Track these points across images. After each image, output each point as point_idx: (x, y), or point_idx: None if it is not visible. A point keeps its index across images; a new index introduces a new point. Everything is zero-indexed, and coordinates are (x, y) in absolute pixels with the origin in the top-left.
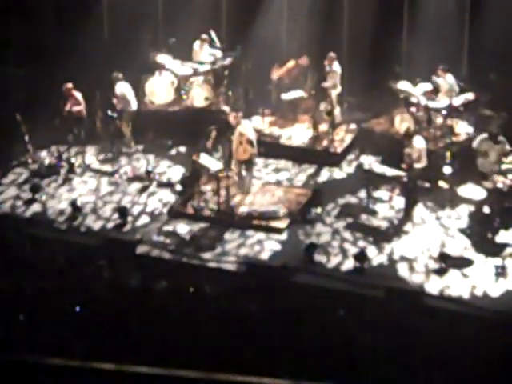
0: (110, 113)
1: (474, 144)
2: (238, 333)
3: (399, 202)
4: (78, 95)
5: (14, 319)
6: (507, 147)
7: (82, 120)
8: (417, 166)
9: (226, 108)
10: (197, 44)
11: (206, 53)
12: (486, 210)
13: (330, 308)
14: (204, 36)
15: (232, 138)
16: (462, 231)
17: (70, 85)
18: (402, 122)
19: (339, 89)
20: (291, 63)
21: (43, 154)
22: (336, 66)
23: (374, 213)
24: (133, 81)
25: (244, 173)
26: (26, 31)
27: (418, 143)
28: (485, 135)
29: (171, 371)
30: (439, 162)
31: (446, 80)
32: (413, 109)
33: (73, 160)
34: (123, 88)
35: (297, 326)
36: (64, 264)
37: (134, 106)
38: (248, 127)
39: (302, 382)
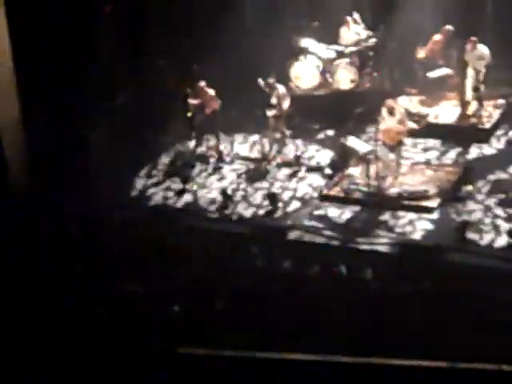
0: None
1: None
2: (392, 316)
3: None
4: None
5: (170, 311)
6: None
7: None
8: None
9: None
10: (344, 29)
11: (350, 34)
12: None
13: (484, 286)
14: (347, 18)
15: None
16: None
17: (202, 83)
18: None
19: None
20: (437, 37)
21: (192, 143)
22: (483, 48)
23: None
24: (278, 67)
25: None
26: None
27: None
28: None
29: (325, 357)
30: None
31: None
32: None
33: (221, 148)
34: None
35: (452, 307)
36: (217, 253)
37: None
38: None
39: (459, 364)
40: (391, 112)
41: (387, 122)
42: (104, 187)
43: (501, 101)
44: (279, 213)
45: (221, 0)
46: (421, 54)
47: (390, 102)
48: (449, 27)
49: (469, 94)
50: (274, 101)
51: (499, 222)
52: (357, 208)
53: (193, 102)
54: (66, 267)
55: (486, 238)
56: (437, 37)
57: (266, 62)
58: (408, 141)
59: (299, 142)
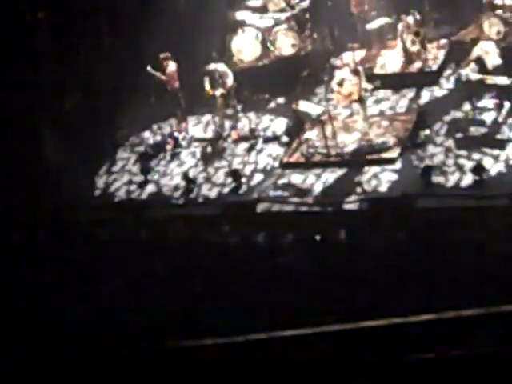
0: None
1: None
2: (377, 269)
3: (505, 107)
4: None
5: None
6: None
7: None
8: None
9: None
10: None
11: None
12: None
13: (458, 226)
14: None
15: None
16: None
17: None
18: (491, 27)
19: None
20: None
21: (146, 134)
22: None
23: (482, 123)
24: (217, 42)
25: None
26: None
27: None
28: None
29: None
30: None
31: None
32: (499, 11)
33: (176, 134)
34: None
35: (431, 252)
36: (189, 238)
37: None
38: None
39: (444, 314)
40: (355, 72)
41: (349, 82)
42: (65, 190)
43: (443, 41)
44: (244, 188)
45: None
46: (355, 7)
47: (349, 61)
48: None
49: (410, 39)
50: (217, 79)
51: (462, 161)
52: (319, 171)
53: (160, 76)
54: (42, 272)
55: (452, 179)
56: None
57: (204, 40)
58: None
59: (252, 114)
